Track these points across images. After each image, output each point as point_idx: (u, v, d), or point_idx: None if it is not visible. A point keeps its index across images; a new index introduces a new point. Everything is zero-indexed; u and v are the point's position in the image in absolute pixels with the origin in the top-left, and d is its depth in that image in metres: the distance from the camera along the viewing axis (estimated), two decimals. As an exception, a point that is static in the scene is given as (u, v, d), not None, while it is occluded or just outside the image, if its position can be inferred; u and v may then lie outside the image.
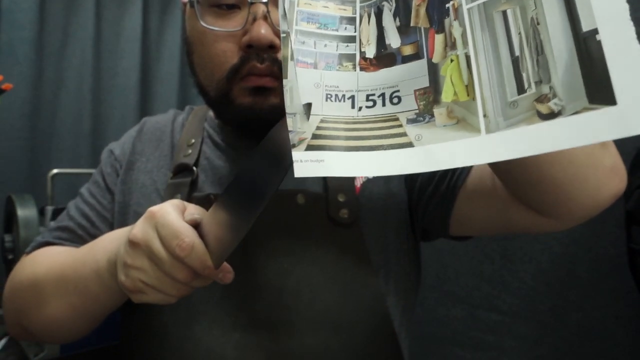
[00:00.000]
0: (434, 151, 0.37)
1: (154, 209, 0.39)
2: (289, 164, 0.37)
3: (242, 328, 0.50)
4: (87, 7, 1.73)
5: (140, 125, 0.66)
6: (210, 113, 0.63)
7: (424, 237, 0.60)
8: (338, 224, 0.52)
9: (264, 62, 0.49)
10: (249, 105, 0.50)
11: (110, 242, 0.46)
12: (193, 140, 0.59)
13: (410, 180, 0.57)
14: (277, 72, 0.49)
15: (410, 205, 0.57)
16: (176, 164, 0.57)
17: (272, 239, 0.52)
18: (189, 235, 0.37)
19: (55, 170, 1.37)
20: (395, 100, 0.42)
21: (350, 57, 0.46)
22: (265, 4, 0.48)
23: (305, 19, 0.45)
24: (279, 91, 0.50)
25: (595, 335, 0.97)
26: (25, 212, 1.17)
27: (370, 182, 0.56)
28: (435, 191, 0.54)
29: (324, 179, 0.55)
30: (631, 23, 0.29)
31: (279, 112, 0.51)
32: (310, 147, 0.43)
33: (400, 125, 0.41)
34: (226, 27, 0.49)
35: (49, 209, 1.24)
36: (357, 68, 0.46)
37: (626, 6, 0.29)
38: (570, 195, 0.44)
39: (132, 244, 0.39)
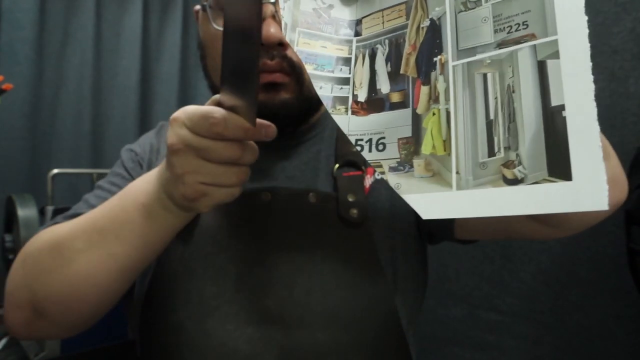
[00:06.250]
0: (411, 201, 0.39)
1: (174, 114, 0.39)
2: None
3: (254, 323, 0.50)
4: (87, 7, 1.73)
5: (157, 128, 0.68)
6: None
7: (430, 240, 0.61)
8: (348, 223, 0.53)
9: (274, 59, 0.50)
10: (261, 101, 0.51)
11: (146, 182, 0.45)
12: None
13: None
14: (287, 68, 0.50)
15: None
16: None
17: (284, 236, 0.53)
18: (216, 110, 0.37)
19: (55, 170, 1.37)
20: (381, 147, 0.43)
21: (343, 100, 0.47)
22: (274, 3, 0.49)
23: (303, 59, 0.46)
24: (290, 86, 0.52)
25: (595, 335, 0.98)
26: (26, 212, 1.18)
27: (378, 183, 0.56)
28: None
29: (335, 179, 0.56)
30: (594, 103, 0.29)
31: (290, 107, 0.52)
32: None
33: (383, 172, 0.42)
34: None
35: (49, 209, 1.24)
36: (349, 112, 0.46)
37: (592, 86, 0.30)
38: None
39: (173, 152, 0.38)
